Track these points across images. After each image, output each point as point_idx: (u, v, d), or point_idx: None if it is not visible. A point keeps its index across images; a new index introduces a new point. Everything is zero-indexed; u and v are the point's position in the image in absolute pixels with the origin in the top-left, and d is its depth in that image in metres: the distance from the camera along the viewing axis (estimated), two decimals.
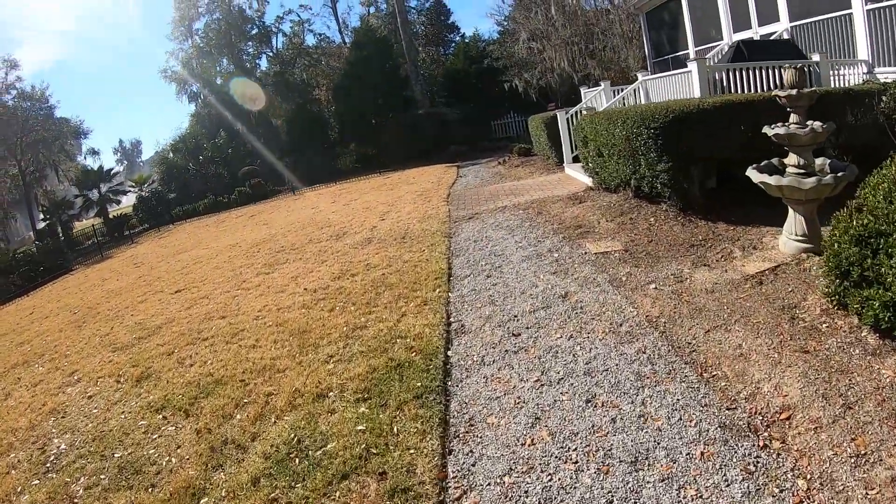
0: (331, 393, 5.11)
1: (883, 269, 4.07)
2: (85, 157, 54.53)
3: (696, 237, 7.77)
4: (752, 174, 6.60)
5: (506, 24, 32.59)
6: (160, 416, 5.49)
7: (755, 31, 15.18)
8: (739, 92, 10.27)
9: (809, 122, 6.49)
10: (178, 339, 7.83)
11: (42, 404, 6.64)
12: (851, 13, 11.77)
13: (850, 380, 3.93)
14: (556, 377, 4.73)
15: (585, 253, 7.80)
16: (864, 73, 11.21)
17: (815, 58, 10.85)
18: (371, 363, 5.50)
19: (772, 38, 13.89)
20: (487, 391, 4.73)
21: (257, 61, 46.42)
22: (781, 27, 13.89)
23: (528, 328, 5.80)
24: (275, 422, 4.83)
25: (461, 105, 32.05)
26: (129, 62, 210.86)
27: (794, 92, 6.55)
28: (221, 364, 6.43)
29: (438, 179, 19.07)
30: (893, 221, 4.12)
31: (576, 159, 14.70)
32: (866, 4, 11.33)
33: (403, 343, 5.85)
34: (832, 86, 10.74)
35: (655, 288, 6.26)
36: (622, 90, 14.62)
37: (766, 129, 6.71)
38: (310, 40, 48.92)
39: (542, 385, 4.66)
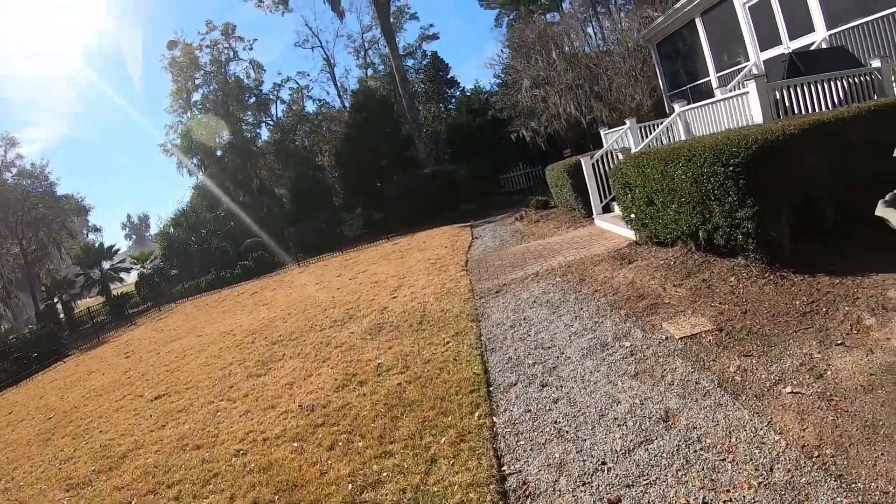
0: None
1: None
2: (88, 235, 55.42)
3: (799, 300, 6.02)
4: (890, 214, 5.06)
5: (504, 74, 31.69)
6: None
7: (786, 47, 14.13)
8: (803, 112, 8.79)
9: None
10: (139, 481, 6.11)
11: None
12: None
13: None
14: None
15: (666, 338, 5.88)
16: None
17: (876, 63, 9.56)
18: None
19: (811, 48, 12.66)
20: None
21: (258, 130, 46.30)
22: (819, 37, 12.88)
23: (628, 487, 3.85)
24: None
25: (467, 161, 31.01)
26: (135, 137, 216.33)
27: None
28: None
29: (452, 243, 17.17)
30: None
31: (606, 209, 13.23)
32: None
33: None
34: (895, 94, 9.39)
35: (791, 392, 4.43)
36: (656, 125, 13.24)
37: None
38: (309, 106, 49.10)
39: None
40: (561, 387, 5.40)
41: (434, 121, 41.47)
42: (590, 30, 34.87)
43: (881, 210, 5.18)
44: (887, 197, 5.31)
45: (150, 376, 11.42)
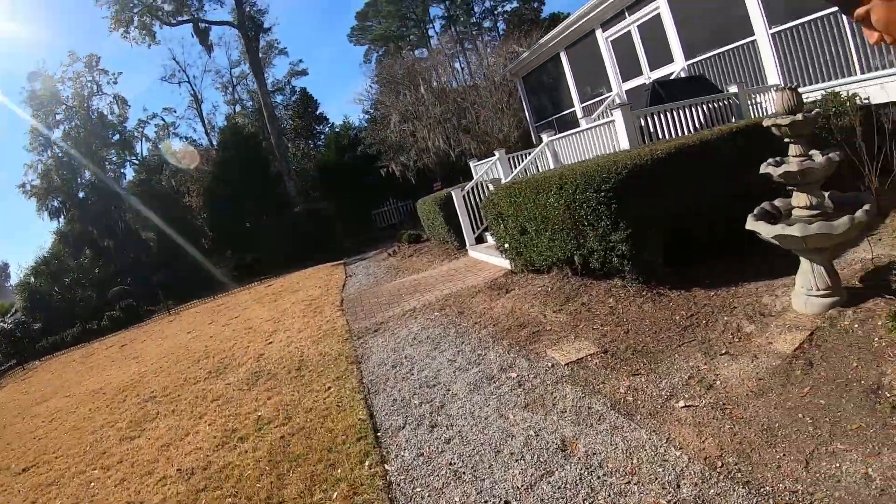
0: None
1: None
2: None
3: (679, 315, 6.20)
4: (761, 227, 5.33)
5: (374, 110, 31.89)
6: None
7: (647, 77, 14.88)
8: (667, 136, 9.18)
9: (814, 152, 5.38)
10: None
11: None
12: (756, 39, 11.66)
13: None
14: None
15: (553, 365, 5.81)
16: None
17: (733, 89, 10.18)
18: None
19: (671, 77, 13.32)
20: None
21: (122, 170, 43.67)
22: (678, 67, 13.74)
23: None
24: None
25: (338, 197, 30.57)
26: None
27: (799, 117, 5.22)
28: None
29: (326, 283, 16.75)
30: None
31: (479, 240, 13.28)
32: (770, 28, 11.15)
33: None
34: (752, 115, 10.06)
35: (685, 406, 4.45)
36: (525, 156, 13.48)
37: (768, 169, 5.54)
38: (176, 144, 46.86)
39: None
40: (452, 425, 5.15)
41: (304, 158, 41.03)
42: (457, 65, 35.60)
43: (751, 224, 5.41)
44: (756, 211, 5.61)
45: (15, 445, 10.22)
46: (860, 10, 1.65)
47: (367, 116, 35.39)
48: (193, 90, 48.40)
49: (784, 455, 3.61)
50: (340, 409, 6.20)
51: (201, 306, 22.87)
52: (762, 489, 3.35)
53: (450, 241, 15.02)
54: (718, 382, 4.67)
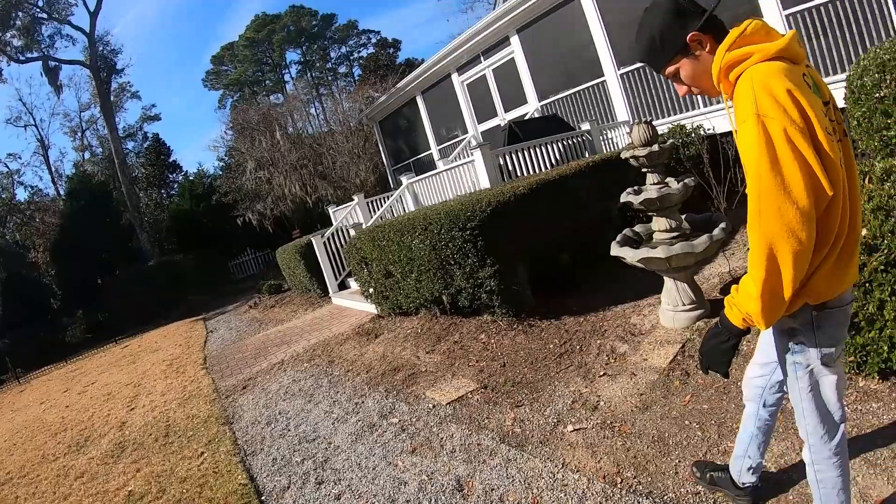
0: None
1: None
2: None
3: (553, 344, 6.29)
4: (625, 252, 5.60)
5: (228, 157, 30.90)
6: None
7: (502, 118, 15.33)
8: (526, 173, 9.48)
9: (670, 179, 5.78)
10: None
11: None
12: (606, 80, 12.43)
13: None
14: None
15: (434, 406, 5.71)
16: (627, 133, 11.26)
17: (586, 126, 10.74)
18: None
19: (525, 118, 13.82)
20: None
21: None
22: (531, 108, 14.37)
23: None
24: None
25: (194, 249, 29.23)
26: None
27: (655, 148, 5.56)
28: None
29: (186, 340, 15.82)
30: None
31: (342, 286, 13.13)
32: (619, 70, 11.92)
33: None
34: (604, 150, 10.70)
35: (574, 430, 4.47)
36: (385, 199, 13.51)
37: (629, 197, 5.82)
38: (21, 194, 43.30)
39: None
40: (339, 480, 4.89)
41: (157, 208, 38.58)
42: (313, 110, 35.39)
43: (616, 250, 5.64)
44: (619, 238, 5.86)
45: None
46: (670, 69, 2.14)
47: (221, 164, 34.17)
48: (40, 135, 45.13)
49: (680, 461, 3.70)
50: (218, 476, 5.74)
51: (54, 372, 20.91)
52: (665, 496, 3.41)
53: (312, 290, 14.72)
54: (602, 403, 4.74)
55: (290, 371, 8.62)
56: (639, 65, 11.50)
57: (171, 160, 42.22)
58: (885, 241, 3.57)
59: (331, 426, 6.08)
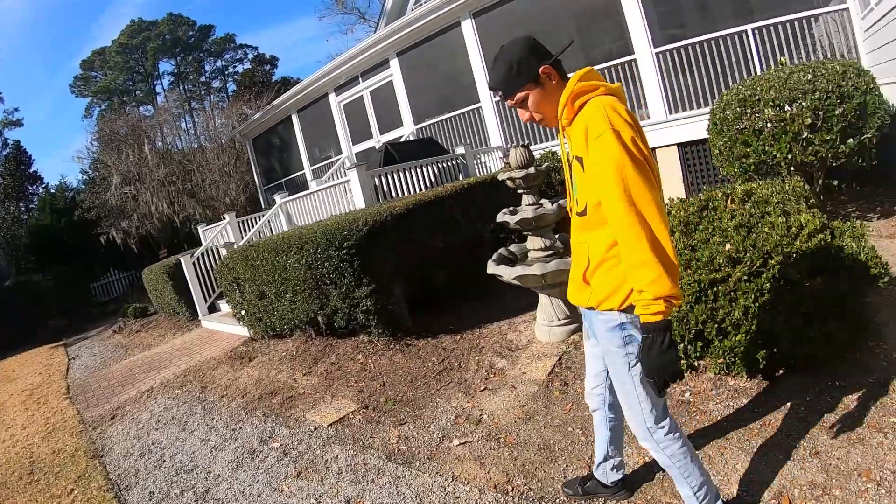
0: None
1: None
2: None
3: (431, 362, 6.38)
4: (502, 270, 5.76)
5: (93, 170, 29.09)
6: None
7: (377, 140, 15.40)
8: (402, 194, 9.60)
9: (545, 201, 6.10)
10: None
11: None
12: (481, 106, 13.07)
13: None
14: None
15: (315, 428, 5.60)
16: (500, 158, 11.90)
17: (460, 150, 11.01)
18: None
19: (400, 140, 13.94)
20: None
21: None
22: (407, 131, 14.52)
23: None
24: None
25: (55, 268, 26.90)
26: None
27: (532, 170, 5.86)
28: None
29: (47, 368, 14.54)
30: None
31: (212, 308, 12.78)
32: (494, 97, 12.50)
33: None
34: (477, 173, 11.00)
35: (460, 443, 4.52)
36: (257, 219, 13.37)
37: (505, 217, 6.02)
38: None
39: None
40: None
41: (14, 223, 35.59)
42: (184, 124, 34.24)
43: (492, 268, 5.81)
44: (494, 257, 6.05)
45: None
46: (520, 94, 2.51)
47: (85, 177, 32.01)
48: None
49: (567, 465, 3.83)
50: None
51: None
52: (557, 500, 3.51)
53: (181, 313, 14.10)
54: (485, 416, 4.82)
55: (161, 399, 8.20)
56: None
57: (31, 170, 39.19)
58: (748, 255, 3.92)
59: (209, 454, 5.80)
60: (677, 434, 2.63)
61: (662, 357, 2.26)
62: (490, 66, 2.58)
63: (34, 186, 38.77)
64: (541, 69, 2.45)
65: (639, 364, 2.45)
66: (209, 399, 7.49)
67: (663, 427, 2.60)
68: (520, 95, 2.50)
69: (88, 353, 15.15)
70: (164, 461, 5.98)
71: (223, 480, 5.12)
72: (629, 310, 2.42)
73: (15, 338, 21.64)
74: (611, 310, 2.47)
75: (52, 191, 33.99)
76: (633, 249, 2.17)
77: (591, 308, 2.57)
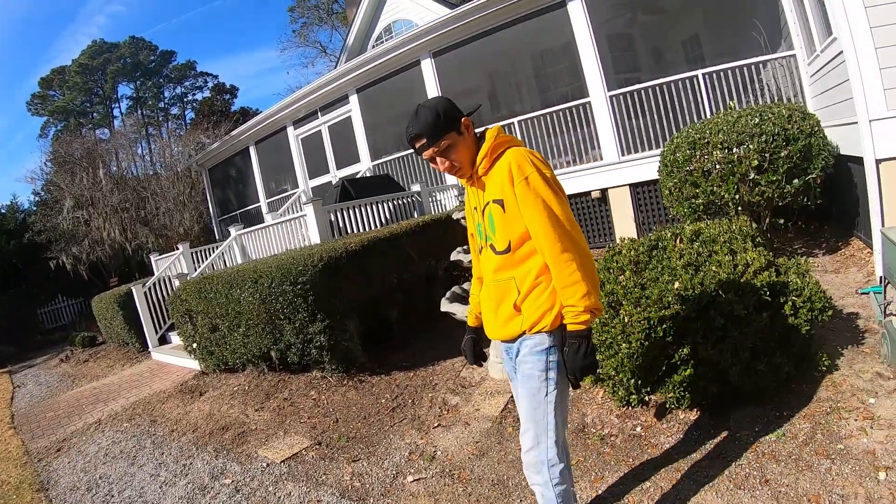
0: None
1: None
2: None
3: (384, 398, 6.46)
4: (455, 308, 5.84)
5: (45, 192, 28.43)
6: None
7: (334, 175, 15.53)
8: (357, 230, 9.69)
9: None
10: None
11: None
12: None
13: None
14: None
15: (268, 464, 5.60)
16: (456, 196, 12.11)
17: (416, 188, 11.23)
18: None
19: (357, 176, 14.07)
20: None
21: None
22: (364, 167, 14.73)
23: None
24: None
25: (0, 292, 25.91)
26: None
27: None
28: None
29: None
30: None
31: (163, 340, 12.58)
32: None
33: None
34: (433, 211, 11.23)
35: (414, 479, 4.60)
36: (212, 250, 13.28)
37: (459, 256, 6.37)
38: None
39: None
40: None
41: None
42: (140, 150, 33.78)
43: (446, 306, 5.87)
44: (448, 295, 6.08)
45: None
46: (444, 143, 2.69)
47: (37, 199, 31.20)
48: None
49: (521, 501, 3.93)
50: None
51: None
52: None
53: (131, 343, 13.79)
54: (439, 453, 4.90)
55: (109, 431, 8.05)
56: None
57: None
58: (695, 292, 4.11)
59: (159, 490, 5.71)
60: (569, 477, 2.82)
61: (586, 359, 2.59)
62: (413, 117, 2.75)
63: None
64: (463, 120, 2.72)
65: (556, 392, 2.72)
66: (159, 433, 7.40)
67: (562, 464, 2.76)
68: (444, 143, 2.69)
69: (34, 382, 14.75)
70: (112, 496, 5.88)
71: None
72: (557, 331, 2.68)
73: None
74: (541, 332, 2.69)
75: (2, 210, 33.00)
76: (566, 271, 2.52)
77: (521, 335, 2.75)
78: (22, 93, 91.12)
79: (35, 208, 29.77)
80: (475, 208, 2.87)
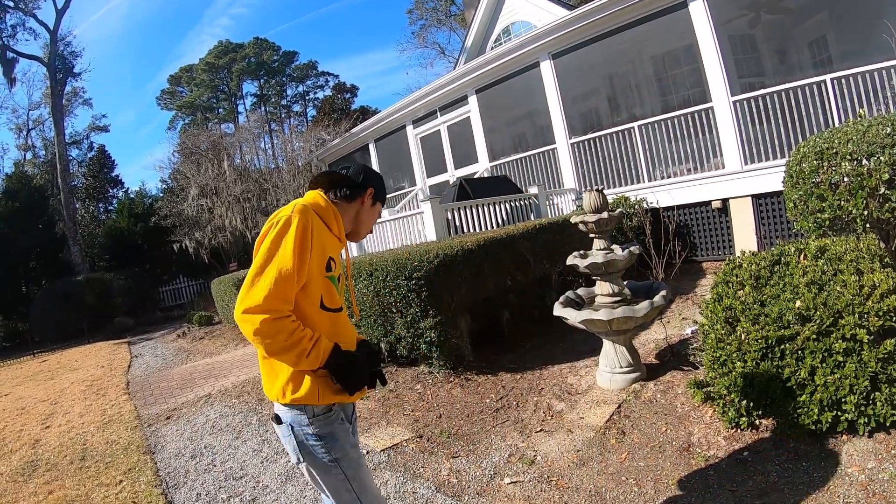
0: None
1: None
2: None
3: (489, 398, 6.35)
4: (568, 313, 5.73)
5: (172, 180, 29.84)
6: None
7: (451, 174, 15.54)
8: (472, 230, 9.59)
9: (615, 246, 5.99)
10: None
11: None
12: (556, 147, 13.07)
13: None
14: None
15: (367, 452, 5.62)
16: (573, 200, 11.92)
17: (534, 190, 11.04)
18: None
19: (475, 176, 14.06)
20: None
21: None
22: (482, 167, 14.59)
23: None
24: None
25: (127, 269, 27.60)
26: None
27: (605, 215, 5.83)
28: None
29: (110, 362, 15.00)
30: None
31: None
32: (570, 138, 12.47)
33: None
34: (549, 214, 10.98)
35: (511, 482, 4.50)
36: None
37: (575, 261, 5.95)
38: None
39: None
40: None
41: (93, 222, 36.75)
42: (262, 144, 34.99)
43: (559, 310, 5.80)
44: (561, 299, 6.03)
45: None
46: (366, 201, 2.81)
47: (164, 186, 32.74)
48: None
49: None
50: None
51: None
52: None
53: None
54: (539, 457, 4.79)
55: (218, 405, 8.34)
56: (590, 135, 12.10)
57: (113, 174, 40.33)
58: (818, 312, 3.86)
59: (259, 465, 5.86)
60: None
61: (363, 370, 2.61)
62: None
63: (114, 189, 40.10)
64: (368, 188, 2.81)
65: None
66: (265, 412, 7.59)
67: None
68: (362, 199, 2.80)
69: (151, 354, 15.57)
70: (215, 465, 6.09)
71: (271, 492, 5.19)
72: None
73: (82, 330, 22.38)
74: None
75: (132, 195, 34.74)
76: None
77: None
78: (151, 89, 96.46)
79: (162, 195, 31.42)
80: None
